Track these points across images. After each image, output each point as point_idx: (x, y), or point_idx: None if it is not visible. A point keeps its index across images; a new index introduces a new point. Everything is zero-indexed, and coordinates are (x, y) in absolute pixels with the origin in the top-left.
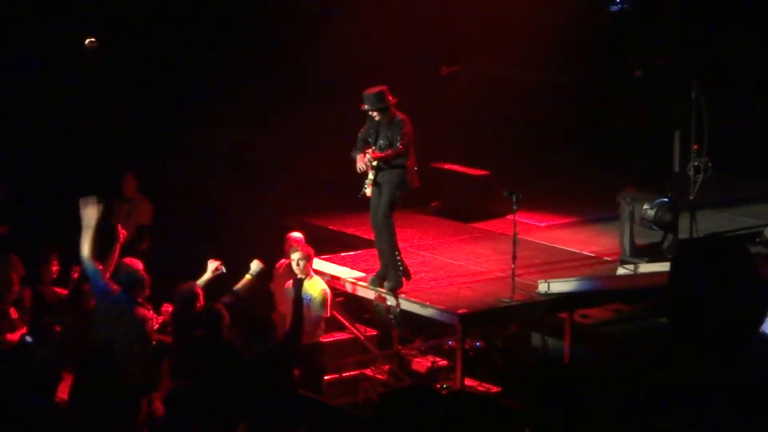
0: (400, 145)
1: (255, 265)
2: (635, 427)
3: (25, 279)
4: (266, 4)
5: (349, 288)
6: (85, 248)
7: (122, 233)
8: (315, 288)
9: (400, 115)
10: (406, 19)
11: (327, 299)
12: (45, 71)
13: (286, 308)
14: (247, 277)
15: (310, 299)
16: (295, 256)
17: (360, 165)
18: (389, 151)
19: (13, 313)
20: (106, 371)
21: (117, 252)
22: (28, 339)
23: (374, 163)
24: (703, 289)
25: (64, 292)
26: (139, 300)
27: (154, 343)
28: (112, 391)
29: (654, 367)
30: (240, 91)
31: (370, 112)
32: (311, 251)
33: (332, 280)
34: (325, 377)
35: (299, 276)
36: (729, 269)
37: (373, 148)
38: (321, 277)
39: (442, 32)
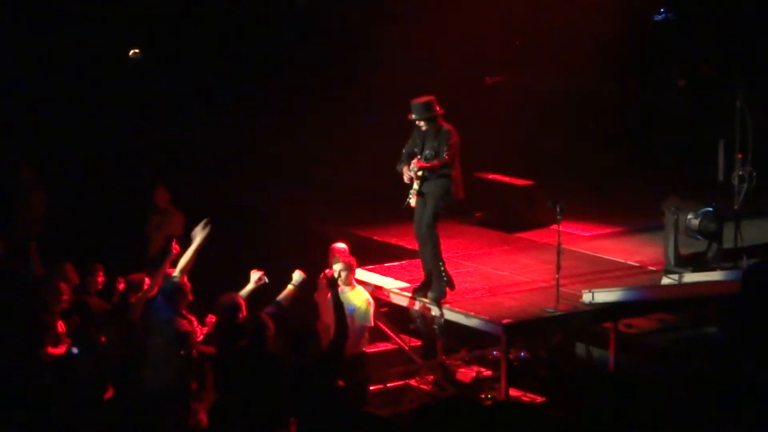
0: (446, 155)
1: (297, 276)
2: None
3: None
4: (312, 16)
5: (392, 298)
6: (179, 264)
7: (175, 248)
8: (358, 298)
9: (446, 126)
10: (451, 29)
11: (371, 308)
12: (88, 82)
13: (329, 318)
14: (290, 287)
15: (354, 309)
16: (337, 266)
17: (407, 175)
18: (435, 162)
19: (60, 327)
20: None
21: (167, 265)
22: (75, 350)
23: (419, 173)
24: None
25: (106, 305)
26: (182, 311)
27: (194, 354)
28: (147, 400)
29: (707, 376)
30: (284, 101)
31: (416, 122)
32: (353, 261)
33: (375, 290)
34: (370, 387)
35: (339, 284)
36: None
37: (419, 157)
38: (365, 287)
39: (486, 42)
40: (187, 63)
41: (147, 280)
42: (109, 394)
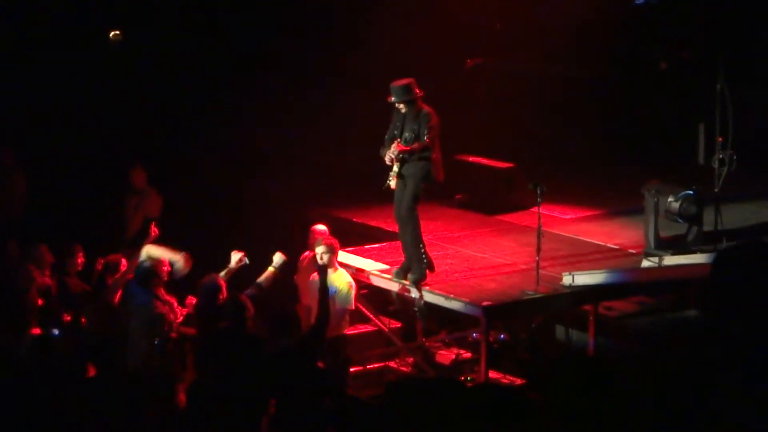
0: (427, 138)
1: (278, 258)
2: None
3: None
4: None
5: (372, 280)
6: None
7: (154, 230)
8: (340, 280)
9: (426, 108)
10: (432, 11)
11: (352, 291)
12: (68, 63)
13: (310, 300)
14: (270, 269)
15: (336, 291)
16: (320, 249)
17: (387, 157)
18: (415, 145)
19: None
20: (121, 363)
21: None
22: (55, 332)
23: (400, 156)
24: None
25: (86, 286)
26: (157, 293)
27: (174, 335)
28: (128, 382)
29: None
30: (263, 84)
31: (396, 105)
32: (335, 243)
33: (356, 273)
34: (351, 369)
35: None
36: None
37: (399, 140)
38: (346, 269)
39: (467, 25)
40: (168, 46)
41: (124, 262)
42: (91, 374)
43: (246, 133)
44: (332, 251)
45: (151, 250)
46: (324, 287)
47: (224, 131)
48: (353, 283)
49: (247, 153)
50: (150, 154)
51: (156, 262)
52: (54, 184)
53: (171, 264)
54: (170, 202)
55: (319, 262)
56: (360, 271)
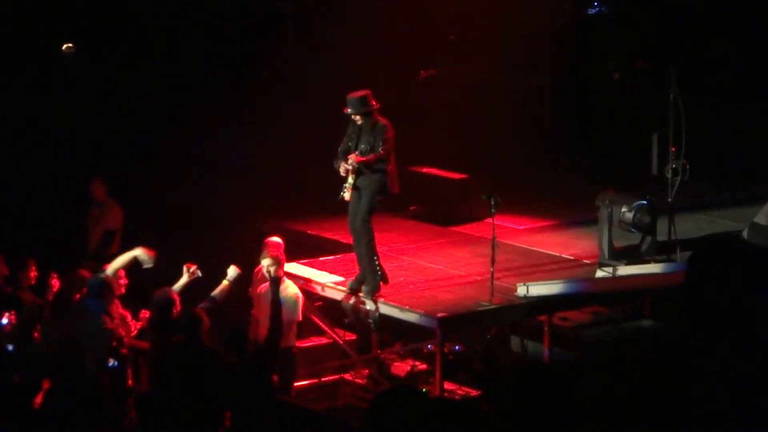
0: (382, 150)
1: (232, 271)
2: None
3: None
4: (244, 8)
5: (326, 292)
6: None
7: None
8: (286, 291)
9: (382, 120)
10: (386, 23)
11: (299, 302)
12: (22, 76)
13: (261, 312)
14: (225, 282)
15: (283, 302)
16: (265, 261)
17: (342, 168)
18: (371, 156)
19: None
20: (76, 377)
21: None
22: (9, 347)
23: (357, 167)
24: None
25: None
26: (109, 308)
27: (125, 351)
28: (80, 397)
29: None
30: (217, 96)
31: (352, 116)
32: (280, 255)
33: (308, 284)
34: (301, 382)
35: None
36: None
37: (357, 152)
38: (297, 280)
39: (420, 36)
40: (126, 59)
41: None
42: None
43: (200, 146)
44: (278, 263)
45: (118, 261)
46: (276, 299)
47: (179, 144)
48: (300, 294)
49: (201, 165)
50: (109, 166)
51: (110, 277)
52: (12, 197)
53: (136, 258)
54: (129, 215)
55: (266, 275)
56: (313, 282)
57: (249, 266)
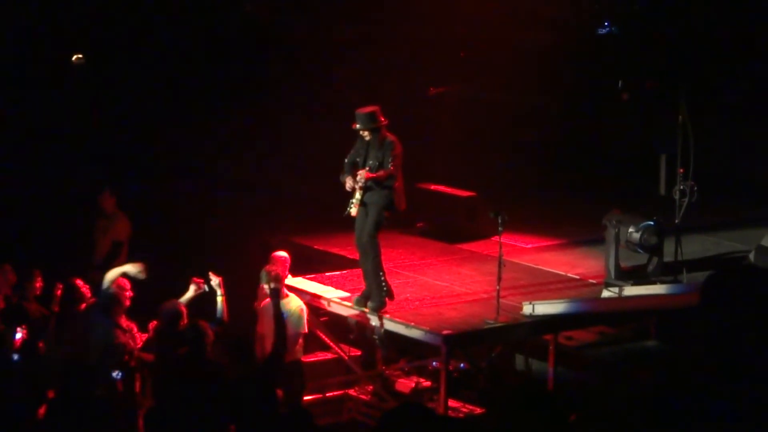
0: (391, 166)
1: (214, 282)
2: None
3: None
4: (251, 24)
5: (332, 307)
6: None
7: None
8: (291, 304)
9: (390, 137)
10: (396, 40)
11: (304, 315)
12: (32, 86)
13: (265, 327)
14: (219, 298)
15: (287, 316)
16: (264, 276)
17: (350, 184)
18: (381, 172)
19: None
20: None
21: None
22: (15, 357)
23: (367, 183)
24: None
25: (45, 311)
26: (118, 320)
27: (133, 363)
28: (87, 409)
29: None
30: (226, 111)
31: (360, 132)
32: (281, 271)
33: (314, 299)
34: (306, 397)
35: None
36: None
37: (366, 168)
38: (303, 295)
39: (431, 53)
40: (134, 72)
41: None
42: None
43: (209, 160)
44: (278, 279)
45: (109, 275)
46: (279, 313)
47: (188, 158)
48: (304, 308)
49: (209, 180)
50: (119, 178)
51: (118, 289)
52: (20, 206)
53: (128, 273)
54: (136, 226)
55: (264, 287)
56: (318, 297)
57: (255, 281)
